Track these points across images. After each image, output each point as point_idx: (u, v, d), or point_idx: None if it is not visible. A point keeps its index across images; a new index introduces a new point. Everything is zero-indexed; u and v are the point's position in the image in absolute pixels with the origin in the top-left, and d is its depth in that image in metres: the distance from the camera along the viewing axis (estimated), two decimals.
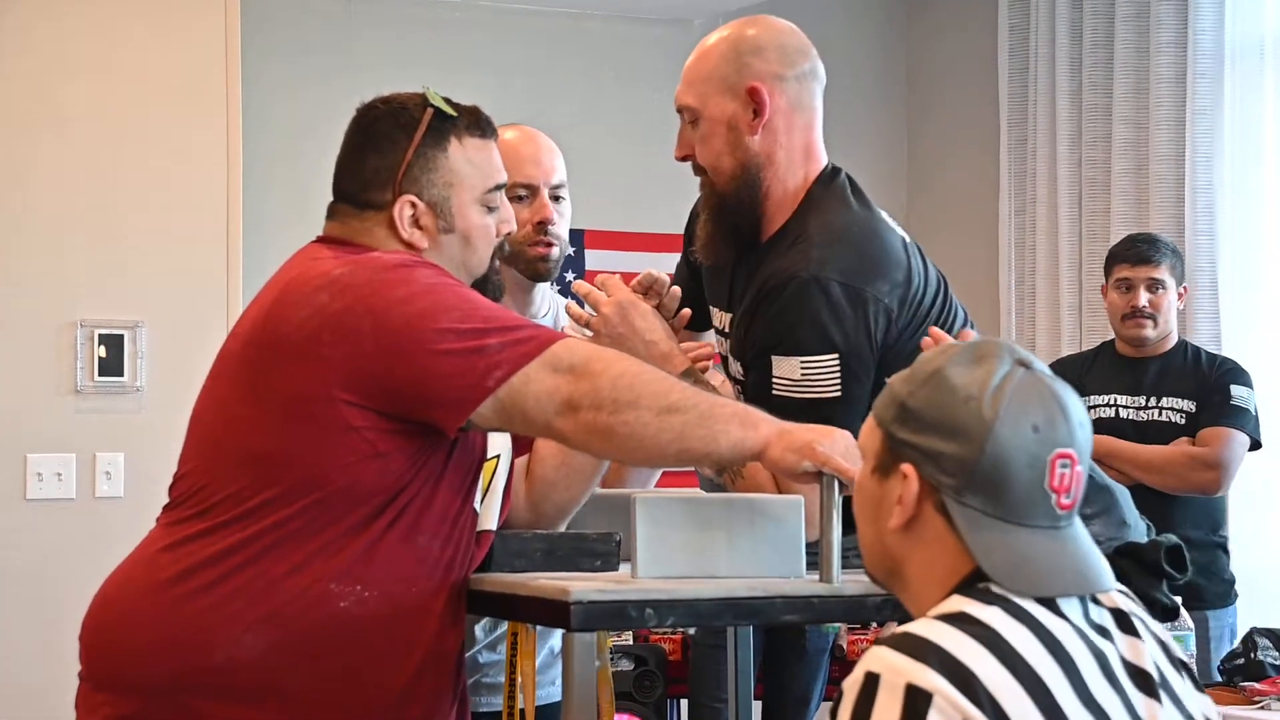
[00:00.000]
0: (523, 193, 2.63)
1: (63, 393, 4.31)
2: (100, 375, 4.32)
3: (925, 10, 6.18)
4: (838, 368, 2.25)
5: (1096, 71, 5.31)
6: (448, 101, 2.17)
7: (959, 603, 1.49)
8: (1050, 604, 1.50)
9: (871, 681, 1.43)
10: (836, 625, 4.62)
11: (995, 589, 1.50)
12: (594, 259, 5.78)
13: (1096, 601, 1.56)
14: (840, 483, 1.99)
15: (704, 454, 2.01)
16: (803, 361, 2.26)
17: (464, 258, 2.17)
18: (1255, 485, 4.82)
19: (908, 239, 2.42)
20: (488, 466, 2.23)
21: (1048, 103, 5.46)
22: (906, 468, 1.53)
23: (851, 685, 1.45)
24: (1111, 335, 4.46)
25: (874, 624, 4.63)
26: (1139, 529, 2.20)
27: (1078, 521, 1.55)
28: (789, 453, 1.98)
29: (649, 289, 2.42)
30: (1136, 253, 4.30)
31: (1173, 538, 2.06)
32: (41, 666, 4.15)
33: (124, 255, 4.37)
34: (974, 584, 1.51)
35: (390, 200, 2.13)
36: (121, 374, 4.33)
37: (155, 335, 4.37)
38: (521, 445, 2.34)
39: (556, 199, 2.70)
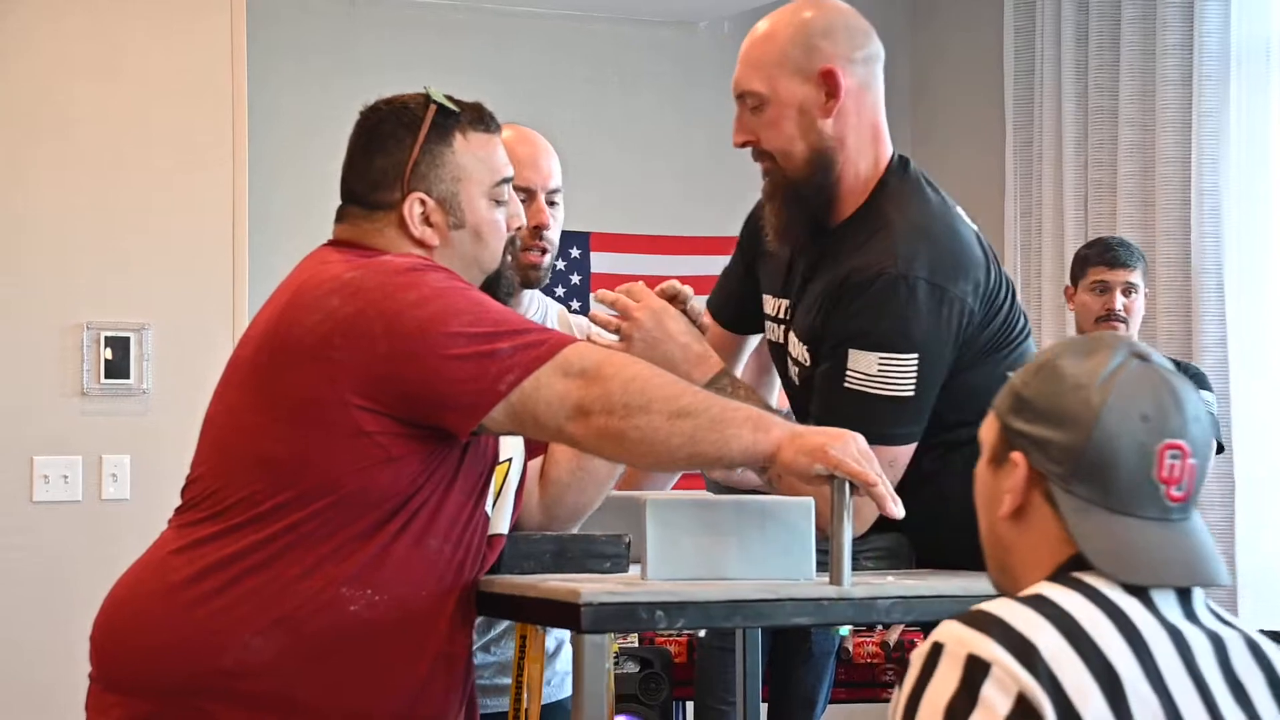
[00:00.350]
0: (520, 196, 2.62)
1: (69, 395, 4.31)
2: (106, 377, 4.32)
3: (930, 13, 6.18)
4: (915, 367, 2.24)
5: (1102, 74, 5.31)
6: (449, 99, 2.17)
7: (1039, 587, 1.50)
8: (1142, 596, 1.49)
9: (935, 651, 1.45)
10: (844, 628, 4.62)
11: (1085, 578, 1.49)
12: (599, 261, 5.78)
13: (1222, 621, 1.53)
14: (851, 485, 1.99)
15: (716, 458, 2.01)
16: (881, 357, 2.24)
17: (476, 253, 2.17)
18: (1262, 486, 4.82)
19: (980, 233, 2.41)
20: (500, 470, 2.23)
21: (1053, 105, 5.46)
22: (1016, 455, 1.54)
23: (918, 655, 1.46)
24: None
25: (880, 626, 4.64)
26: None
27: (1195, 517, 1.54)
28: (801, 456, 1.98)
29: (673, 298, 2.42)
30: (1114, 256, 4.32)
31: None
32: (49, 668, 4.15)
33: (130, 258, 4.37)
34: (1065, 572, 1.51)
35: (399, 199, 2.13)
36: (128, 376, 4.33)
37: (161, 338, 4.37)
38: (534, 448, 2.34)
39: (551, 204, 2.69)
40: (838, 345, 2.29)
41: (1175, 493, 1.51)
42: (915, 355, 2.24)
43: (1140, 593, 1.49)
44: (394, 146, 2.14)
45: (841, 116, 2.34)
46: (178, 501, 2.13)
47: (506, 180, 2.20)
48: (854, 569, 2.06)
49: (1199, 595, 1.53)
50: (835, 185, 2.35)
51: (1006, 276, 2.40)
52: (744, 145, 2.41)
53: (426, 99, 2.17)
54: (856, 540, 2.09)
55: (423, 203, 2.13)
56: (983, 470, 1.60)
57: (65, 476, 4.29)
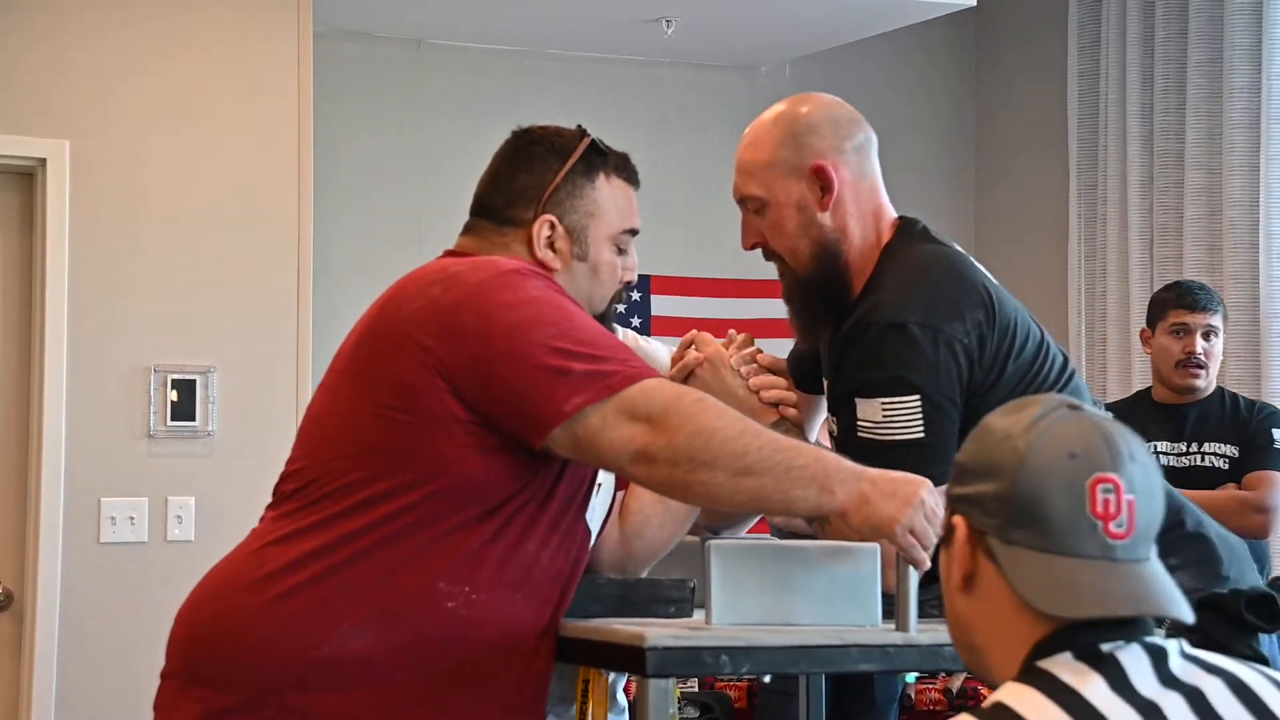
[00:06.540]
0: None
1: (135, 437, 4.34)
2: (172, 419, 4.35)
3: (995, 57, 6.17)
4: (919, 408, 2.24)
5: (1168, 117, 5.28)
6: (602, 143, 2.24)
7: (1003, 694, 1.42)
8: (1112, 675, 1.41)
9: None
10: (910, 675, 4.58)
11: (1050, 668, 1.42)
12: (660, 304, 5.78)
13: (1207, 669, 1.45)
14: None
15: (780, 513, 2.02)
16: (884, 403, 2.25)
17: (590, 289, 2.21)
18: None
19: (994, 281, 2.41)
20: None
21: (1118, 149, 5.43)
22: (956, 519, 1.50)
23: None
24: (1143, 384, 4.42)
25: (942, 673, 4.59)
26: (1244, 583, 2.13)
27: (1153, 559, 1.47)
28: (866, 529, 1.98)
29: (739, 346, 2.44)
30: (1194, 299, 4.26)
31: (1261, 587, 2.01)
32: (114, 708, 4.17)
33: (196, 302, 4.41)
34: (1031, 663, 1.43)
35: (532, 218, 2.18)
36: (193, 418, 4.36)
37: (227, 380, 4.40)
38: (621, 479, 2.34)
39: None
40: (844, 399, 2.31)
41: (1115, 529, 1.44)
42: (917, 396, 2.24)
43: (1110, 670, 1.41)
44: (540, 167, 2.19)
45: (839, 207, 2.37)
46: (240, 539, 2.14)
47: (634, 232, 2.25)
48: (920, 616, 2.04)
49: (1174, 650, 1.45)
50: (845, 273, 2.38)
51: (1030, 319, 2.39)
52: (754, 247, 2.46)
53: (582, 132, 2.24)
54: (921, 588, 2.07)
55: (552, 226, 2.18)
56: (941, 556, 1.55)
57: (131, 518, 4.32)
